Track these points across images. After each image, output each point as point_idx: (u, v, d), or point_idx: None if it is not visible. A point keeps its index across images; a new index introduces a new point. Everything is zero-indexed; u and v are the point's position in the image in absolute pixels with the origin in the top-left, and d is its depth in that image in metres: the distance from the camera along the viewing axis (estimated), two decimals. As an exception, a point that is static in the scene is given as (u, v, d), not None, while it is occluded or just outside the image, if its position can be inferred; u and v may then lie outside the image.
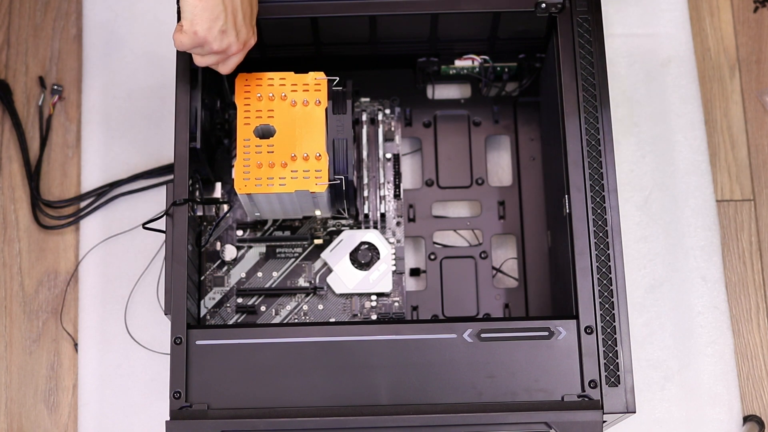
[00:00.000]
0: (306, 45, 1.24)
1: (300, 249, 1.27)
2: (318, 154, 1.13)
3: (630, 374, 1.05)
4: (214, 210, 1.27)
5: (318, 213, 1.23)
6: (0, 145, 1.41)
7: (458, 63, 1.31)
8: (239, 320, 1.25)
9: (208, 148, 1.23)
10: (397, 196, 1.30)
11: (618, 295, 1.07)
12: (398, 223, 1.29)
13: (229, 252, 1.26)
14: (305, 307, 1.25)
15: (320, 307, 1.25)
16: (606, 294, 1.07)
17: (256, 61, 1.18)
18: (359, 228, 1.28)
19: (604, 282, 1.07)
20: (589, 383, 1.05)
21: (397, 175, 1.31)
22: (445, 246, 1.33)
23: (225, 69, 1.12)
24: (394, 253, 1.27)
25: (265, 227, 1.28)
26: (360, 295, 1.25)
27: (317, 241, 1.27)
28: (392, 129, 1.33)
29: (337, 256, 1.25)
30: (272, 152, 1.13)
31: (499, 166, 1.37)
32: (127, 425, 1.29)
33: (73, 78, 1.43)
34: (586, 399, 1.05)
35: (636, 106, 1.41)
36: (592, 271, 1.08)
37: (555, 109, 1.17)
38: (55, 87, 1.42)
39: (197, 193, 1.24)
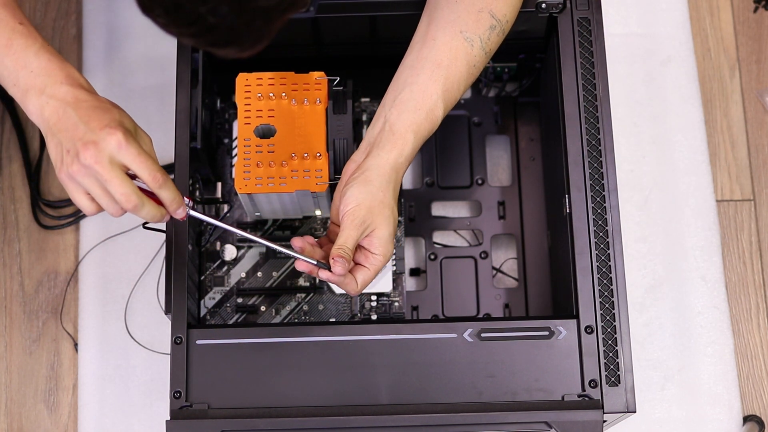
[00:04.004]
0: (306, 45, 1.24)
1: (300, 249, 1.27)
2: (318, 154, 1.13)
3: (630, 374, 1.05)
4: (214, 210, 1.27)
5: (318, 213, 1.23)
6: (0, 145, 1.41)
7: (458, 63, 1.31)
8: (239, 320, 1.25)
9: (208, 148, 1.23)
10: (397, 196, 1.30)
11: (618, 295, 1.07)
12: (398, 223, 1.29)
13: (229, 252, 1.26)
14: (305, 307, 1.25)
15: (320, 307, 1.25)
16: (606, 294, 1.07)
17: (256, 61, 1.18)
18: (359, 228, 1.28)
19: (604, 282, 1.07)
20: (590, 383, 1.05)
21: (397, 175, 1.31)
22: (445, 246, 1.33)
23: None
24: (394, 253, 1.27)
25: (265, 227, 1.28)
26: (360, 295, 1.25)
27: (317, 241, 1.27)
28: (392, 129, 1.32)
29: (337, 256, 1.25)
30: (272, 152, 1.13)
31: (499, 166, 1.37)
32: (127, 425, 1.29)
33: (73, 78, 1.43)
34: (587, 399, 1.04)
35: (636, 106, 1.41)
36: (593, 271, 1.08)
37: (555, 109, 1.17)
38: (55, 87, 1.41)
39: (197, 193, 1.24)
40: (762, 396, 1.34)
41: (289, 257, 1.27)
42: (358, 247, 1.04)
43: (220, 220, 1.26)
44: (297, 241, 1.03)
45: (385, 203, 1.03)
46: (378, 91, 1.33)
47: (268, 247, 1.23)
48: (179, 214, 0.99)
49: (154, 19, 0.82)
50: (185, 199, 1.00)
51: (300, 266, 1.02)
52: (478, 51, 1.07)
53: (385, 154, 1.05)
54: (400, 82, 1.07)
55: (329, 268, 1.01)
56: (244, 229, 1.07)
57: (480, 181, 1.34)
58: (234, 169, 1.14)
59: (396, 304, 1.25)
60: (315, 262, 1.02)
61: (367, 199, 1.03)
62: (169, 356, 1.06)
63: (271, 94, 1.15)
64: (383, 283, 1.24)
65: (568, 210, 1.11)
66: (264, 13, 0.81)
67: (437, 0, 1.09)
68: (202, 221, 1.04)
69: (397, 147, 1.05)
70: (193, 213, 1.01)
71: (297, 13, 0.85)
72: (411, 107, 1.06)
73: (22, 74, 0.97)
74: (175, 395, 1.05)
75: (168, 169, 1.37)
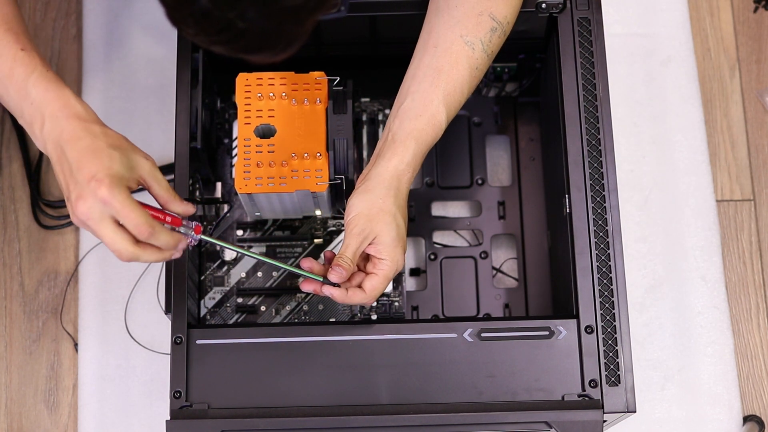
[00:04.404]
0: (307, 45, 1.24)
1: (300, 249, 1.27)
2: (318, 154, 1.13)
3: (630, 374, 1.05)
4: (214, 210, 1.27)
5: (318, 213, 1.23)
6: (0, 145, 1.41)
7: (458, 63, 1.31)
8: (239, 320, 1.25)
9: (208, 148, 1.23)
10: (397, 196, 1.30)
11: (618, 295, 1.07)
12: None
13: (229, 252, 1.26)
14: (305, 307, 1.25)
15: (320, 307, 1.25)
16: (606, 294, 1.07)
17: (257, 61, 1.18)
18: (359, 228, 1.28)
19: (605, 282, 1.08)
20: (590, 383, 1.05)
21: (397, 175, 1.31)
22: (445, 246, 1.33)
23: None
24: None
25: (265, 227, 1.28)
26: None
27: (317, 241, 1.27)
28: (392, 129, 1.32)
29: (337, 256, 1.25)
30: (272, 152, 1.13)
31: (499, 166, 1.37)
32: (127, 425, 1.29)
33: (73, 78, 1.43)
34: (587, 398, 1.04)
35: (636, 106, 1.41)
36: (593, 271, 1.08)
37: (555, 109, 1.17)
38: (55, 87, 1.41)
39: (197, 193, 1.24)
40: (762, 396, 1.34)
41: (290, 258, 1.27)
42: (368, 257, 1.06)
43: (221, 220, 1.27)
44: (306, 263, 1.06)
45: (385, 210, 1.04)
46: (378, 91, 1.33)
47: (272, 265, 1.24)
48: (176, 255, 1.00)
49: (184, 31, 0.82)
50: (192, 232, 1.01)
51: (305, 287, 1.05)
52: (480, 54, 1.07)
53: (385, 162, 1.06)
54: (403, 92, 1.08)
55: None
56: (258, 252, 1.09)
57: (480, 181, 1.34)
58: (234, 169, 1.14)
59: (396, 304, 1.25)
60: (321, 279, 1.04)
61: (366, 208, 1.03)
62: (169, 356, 1.06)
63: (271, 94, 1.15)
64: (383, 283, 1.24)
65: (568, 210, 1.11)
66: (292, 14, 0.81)
67: (437, 7, 1.09)
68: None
69: (397, 154, 1.06)
70: (206, 238, 1.03)
71: (328, 14, 0.85)
72: (412, 115, 1.06)
73: (24, 105, 0.97)
74: (175, 395, 1.05)
75: (168, 169, 1.37)
